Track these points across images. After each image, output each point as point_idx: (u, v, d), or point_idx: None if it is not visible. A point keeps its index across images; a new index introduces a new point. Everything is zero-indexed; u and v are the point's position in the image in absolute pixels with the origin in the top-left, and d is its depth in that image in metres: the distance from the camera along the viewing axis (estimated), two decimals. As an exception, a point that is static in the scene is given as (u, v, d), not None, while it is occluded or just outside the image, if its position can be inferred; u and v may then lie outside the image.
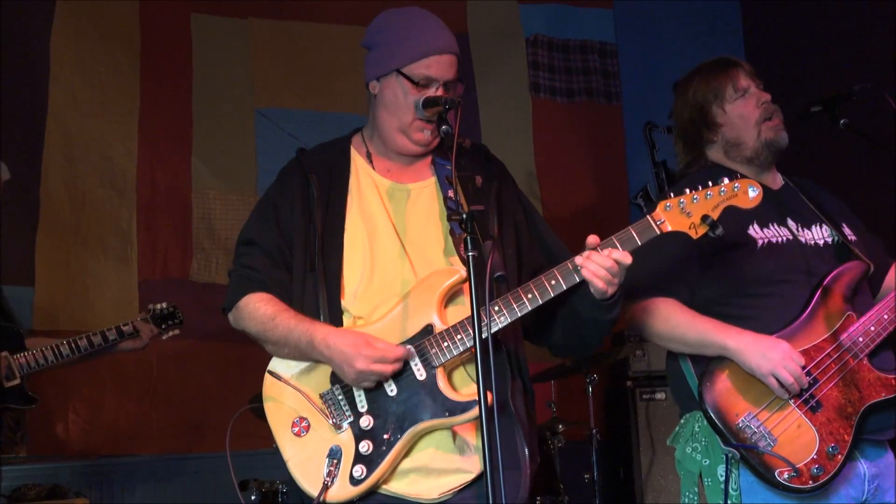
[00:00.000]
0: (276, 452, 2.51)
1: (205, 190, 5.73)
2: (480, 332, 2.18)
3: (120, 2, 5.67)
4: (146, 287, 5.50)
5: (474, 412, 2.36)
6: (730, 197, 2.48)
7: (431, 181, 2.66)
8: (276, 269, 2.61)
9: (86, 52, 5.56)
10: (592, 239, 2.44)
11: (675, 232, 2.60)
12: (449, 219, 2.30)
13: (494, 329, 2.39)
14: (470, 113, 6.09)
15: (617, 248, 2.43)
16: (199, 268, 5.62)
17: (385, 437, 2.40)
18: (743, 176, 2.51)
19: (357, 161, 2.69)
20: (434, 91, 2.57)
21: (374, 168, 2.68)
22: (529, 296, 2.42)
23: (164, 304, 4.42)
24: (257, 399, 4.44)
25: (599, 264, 2.39)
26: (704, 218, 2.45)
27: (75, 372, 4.94)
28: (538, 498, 4.98)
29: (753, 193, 2.50)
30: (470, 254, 2.20)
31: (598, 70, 6.75)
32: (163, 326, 4.39)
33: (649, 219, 2.45)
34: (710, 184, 2.46)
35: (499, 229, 2.56)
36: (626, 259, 2.41)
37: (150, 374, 5.43)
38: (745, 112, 3.00)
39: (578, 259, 2.41)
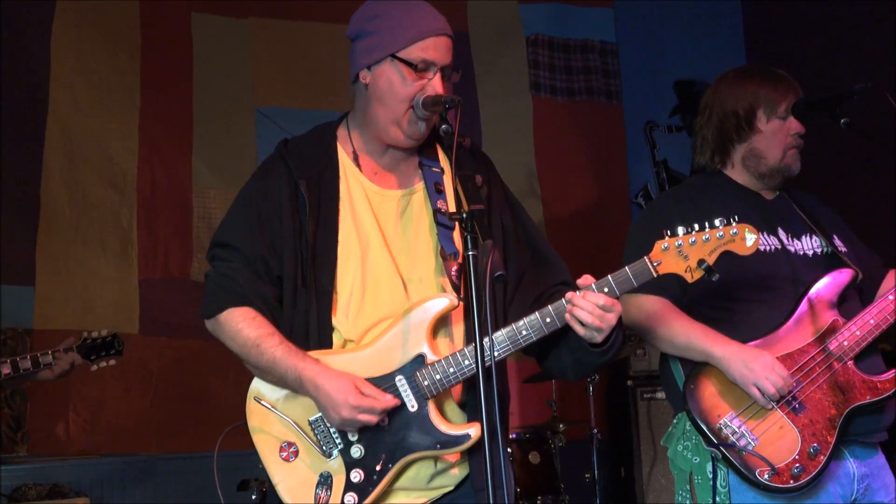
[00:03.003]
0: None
1: (205, 189, 5.73)
2: (483, 360, 2.15)
3: (120, 2, 5.67)
4: (146, 287, 5.50)
5: (466, 445, 2.37)
6: (727, 242, 2.45)
7: (419, 188, 2.57)
8: (258, 283, 2.49)
9: (86, 52, 5.57)
10: (584, 280, 2.40)
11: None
12: (450, 219, 2.28)
13: (489, 363, 2.35)
14: (470, 113, 6.09)
15: (614, 290, 2.38)
16: (199, 267, 5.63)
17: (377, 467, 2.39)
18: (740, 220, 2.48)
19: (344, 162, 2.57)
20: (432, 75, 2.45)
21: (360, 170, 2.56)
22: (524, 332, 2.39)
23: (104, 332, 4.13)
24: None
25: (584, 309, 2.35)
26: (700, 262, 2.43)
27: (75, 372, 4.94)
28: (539, 497, 4.98)
29: (750, 241, 2.47)
30: (470, 253, 2.19)
31: (599, 69, 6.75)
32: (92, 357, 4.09)
33: (646, 260, 2.42)
34: (708, 225, 2.45)
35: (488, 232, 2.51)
36: (603, 300, 2.35)
37: (150, 373, 5.44)
38: (781, 133, 3.02)
39: (566, 301, 2.37)
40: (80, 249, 5.43)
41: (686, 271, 2.44)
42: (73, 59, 5.53)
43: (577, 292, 2.37)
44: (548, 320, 2.39)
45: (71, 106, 5.50)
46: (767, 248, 2.94)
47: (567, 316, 2.37)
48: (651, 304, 2.91)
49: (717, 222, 2.45)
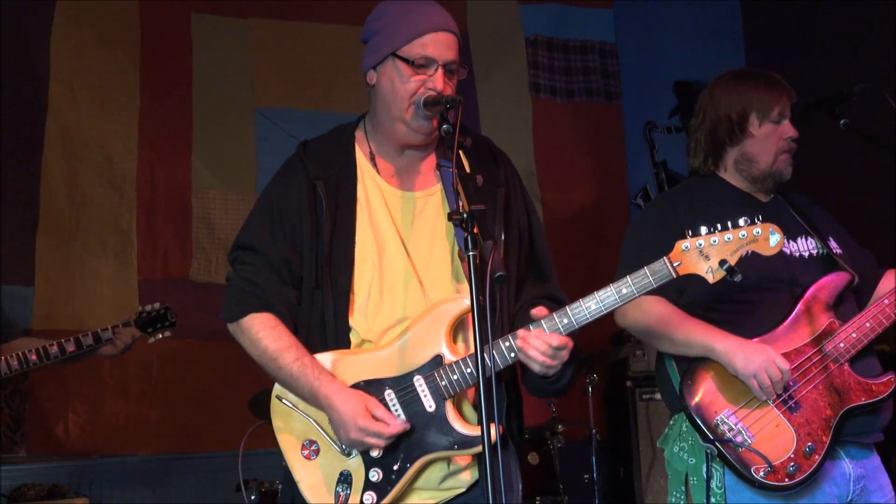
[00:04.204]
0: (280, 457, 2.51)
1: (205, 190, 5.73)
2: (483, 363, 2.16)
3: (120, 2, 5.67)
4: (146, 287, 5.50)
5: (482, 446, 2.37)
6: (750, 242, 2.40)
7: (437, 189, 2.58)
8: (281, 286, 2.52)
9: (86, 52, 5.56)
10: (538, 311, 2.39)
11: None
12: (450, 218, 2.28)
13: (495, 370, 2.37)
14: (470, 113, 6.09)
15: (633, 291, 2.37)
16: (199, 267, 5.63)
17: (395, 467, 2.40)
18: (764, 219, 2.45)
19: (361, 163, 2.58)
20: (433, 72, 2.46)
21: (378, 172, 2.58)
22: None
23: (157, 305, 4.22)
24: (256, 399, 4.44)
25: (536, 349, 2.35)
26: (722, 263, 2.38)
27: (75, 372, 4.95)
28: (538, 498, 4.98)
29: (774, 241, 2.43)
30: (470, 254, 2.19)
31: (598, 70, 6.75)
32: (149, 330, 4.17)
33: (665, 260, 2.39)
34: (731, 225, 2.40)
35: (506, 238, 2.53)
36: (557, 341, 2.34)
37: (150, 374, 5.44)
38: (773, 137, 3.02)
39: (517, 340, 2.37)
40: (79, 250, 5.43)
41: (707, 272, 2.39)
42: (73, 59, 5.53)
43: (531, 330, 2.37)
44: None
45: (71, 106, 5.50)
46: None
47: (520, 354, 2.37)
48: (648, 305, 2.92)
49: (740, 222, 2.41)
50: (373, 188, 2.57)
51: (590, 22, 6.78)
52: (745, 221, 2.42)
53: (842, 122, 3.06)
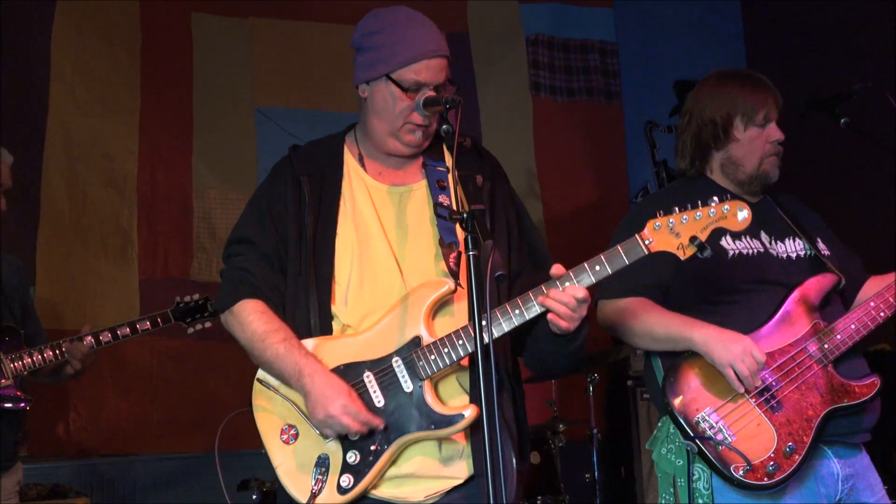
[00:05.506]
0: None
1: (205, 189, 5.74)
2: (481, 338, 2.18)
3: (120, 2, 5.68)
4: (146, 287, 5.51)
5: (460, 425, 2.39)
6: (719, 218, 2.46)
7: (422, 184, 2.64)
8: (272, 273, 2.58)
9: (86, 52, 5.57)
10: (556, 270, 2.43)
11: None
12: (449, 218, 2.30)
13: (471, 350, 2.40)
14: (470, 113, 6.09)
15: (605, 268, 2.42)
16: (199, 267, 5.63)
17: (372, 448, 2.42)
18: (734, 196, 2.49)
19: (349, 163, 2.68)
20: (427, 93, 2.54)
21: (365, 171, 2.66)
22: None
23: (196, 296, 4.26)
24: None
25: (558, 300, 2.38)
26: (693, 239, 2.43)
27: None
28: (539, 497, 4.99)
29: (742, 216, 2.47)
30: (471, 253, 2.20)
31: (599, 69, 6.76)
32: (188, 320, 4.23)
33: (637, 238, 2.44)
34: (700, 204, 2.45)
35: (492, 230, 2.56)
36: (580, 293, 2.39)
37: (150, 374, 5.44)
38: (758, 141, 3.00)
39: (539, 296, 2.41)
40: (80, 249, 5.44)
41: (678, 248, 2.44)
42: (73, 59, 5.54)
43: (557, 287, 2.39)
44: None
45: (71, 106, 5.51)
46: (750, 251, 2.94)
47: (551, 304, 2.39)
48: (630, 304, 2.92)
49: (710, 201, 2.46)
50: (358, 184, 2.65)
51: (590, 21, 6.79)
52: (713, 200, 2.46)
53: (842, 121, 3.06)
